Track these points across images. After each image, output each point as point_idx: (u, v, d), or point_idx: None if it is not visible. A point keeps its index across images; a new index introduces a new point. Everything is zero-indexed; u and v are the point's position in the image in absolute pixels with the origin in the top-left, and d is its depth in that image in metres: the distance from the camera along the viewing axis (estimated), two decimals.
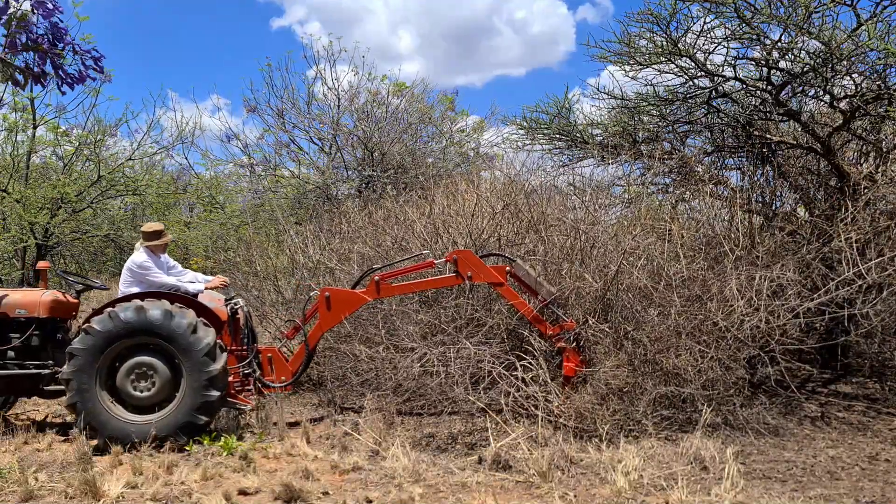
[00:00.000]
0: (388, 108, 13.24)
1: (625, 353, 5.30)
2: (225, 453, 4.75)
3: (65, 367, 5.03)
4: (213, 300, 5.74)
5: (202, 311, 5.41)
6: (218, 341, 5.21)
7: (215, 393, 5.03)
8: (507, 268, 5.56)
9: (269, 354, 5.73)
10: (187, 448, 4.89)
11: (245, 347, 5.71)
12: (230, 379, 5.32)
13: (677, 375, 5.20)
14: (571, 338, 5.35)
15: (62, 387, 5.14)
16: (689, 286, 5.58)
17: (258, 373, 5.68)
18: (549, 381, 5.14)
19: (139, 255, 5.65)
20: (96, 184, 11.84)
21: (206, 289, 5.78)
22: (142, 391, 5.05)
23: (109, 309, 5.12)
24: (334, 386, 6.43)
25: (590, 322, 5.40)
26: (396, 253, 6.76)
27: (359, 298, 5.67)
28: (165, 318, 5.04)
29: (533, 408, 5.06)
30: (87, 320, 5.19)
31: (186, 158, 15.45)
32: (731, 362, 5.26)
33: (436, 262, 5.70)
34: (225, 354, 5.24)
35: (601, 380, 5.12)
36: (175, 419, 4.98)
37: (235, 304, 5.74)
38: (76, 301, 5.81)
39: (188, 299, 5.46)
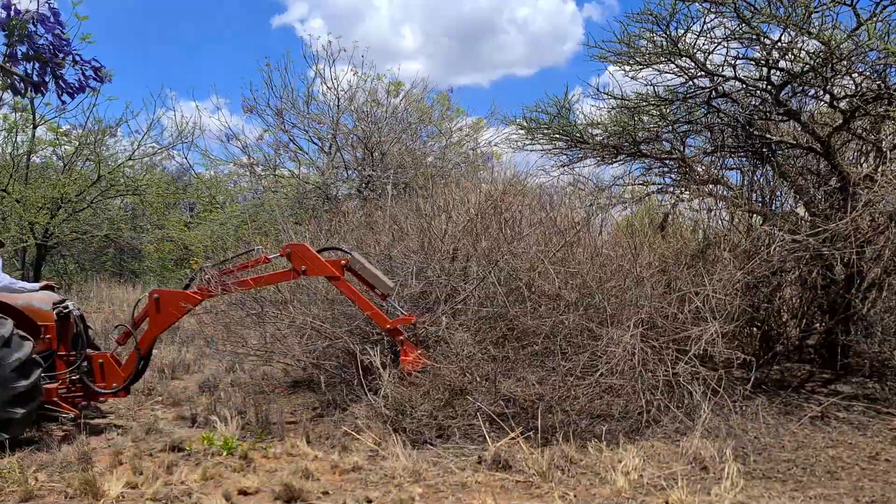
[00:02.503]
0: (387, 107, 13.26)
1: (467, 358, 5.28)
2: (225, 453, 4.75)
3: None
4: (45, 301, 5.55)
5: (24, 321, 5.20)
6: (34, 357, 4.95)
7: (20, 410, 4.80)
8: (343, 261, 5.47)
9: (101, 360, 5.50)
10: (187, 448, 4.89)
11: (74, 353, 5.46)
12: (55, 386, 5.19)
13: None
14: (411, 331, 5.35)
15: None
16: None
17: (91, 378, 5.46)
18: (383, 367, 5.18)
19: None
20: (96, 184, 11.83)
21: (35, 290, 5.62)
22: None
23: None
24: (334, 386, 6.43)
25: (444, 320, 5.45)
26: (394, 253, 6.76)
27: (190, 299, 5.49)
28: None
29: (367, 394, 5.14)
30: None
31: (186, 159, 15.45)
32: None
33: (270, 256, 5.61)
34: (38, 370, 4.97)
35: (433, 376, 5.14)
36: None
37: (65, 308, 5.47)
38: None
39: (10, 308, 5.26)
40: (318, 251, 5.60)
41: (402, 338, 5.36)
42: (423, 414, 5.03)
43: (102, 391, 5.51)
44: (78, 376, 5.46)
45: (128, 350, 5.80)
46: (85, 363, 5.50)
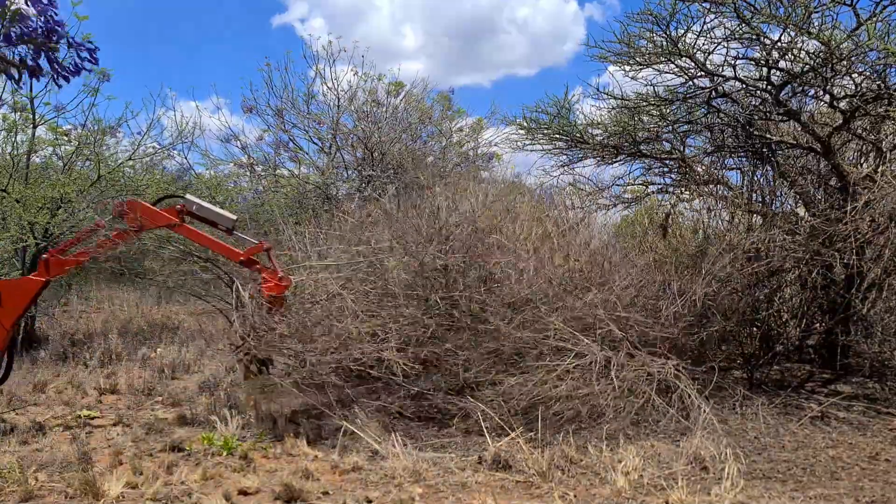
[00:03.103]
0: (387, 107, 13.25)
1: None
2: (225, 453, 4.75)
3: None
4: None
5: None
6: None
7: None
8: (179, 206, 5.44)
9: None
10: (187, 448, 4.89)
11: None
12: None
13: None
14: (267, 258, 5.36)
15: None
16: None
17: None
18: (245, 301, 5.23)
19: None
20: (96, 184, 11.81)
21: None
22: None
23: None
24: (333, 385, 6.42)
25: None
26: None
27: (32, 283, 5.38)
28: None
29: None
30: None
31: (186, 159, 15.42)
32: None
33: (104, 221, 5.58)
34: None
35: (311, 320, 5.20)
36: None
37: None
38: None
39: None
40: (153, 203, 5.56)
41: (258, 266, 5.36)
42: (272, 337, 5.07)
43: None
44: None
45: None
46: None
